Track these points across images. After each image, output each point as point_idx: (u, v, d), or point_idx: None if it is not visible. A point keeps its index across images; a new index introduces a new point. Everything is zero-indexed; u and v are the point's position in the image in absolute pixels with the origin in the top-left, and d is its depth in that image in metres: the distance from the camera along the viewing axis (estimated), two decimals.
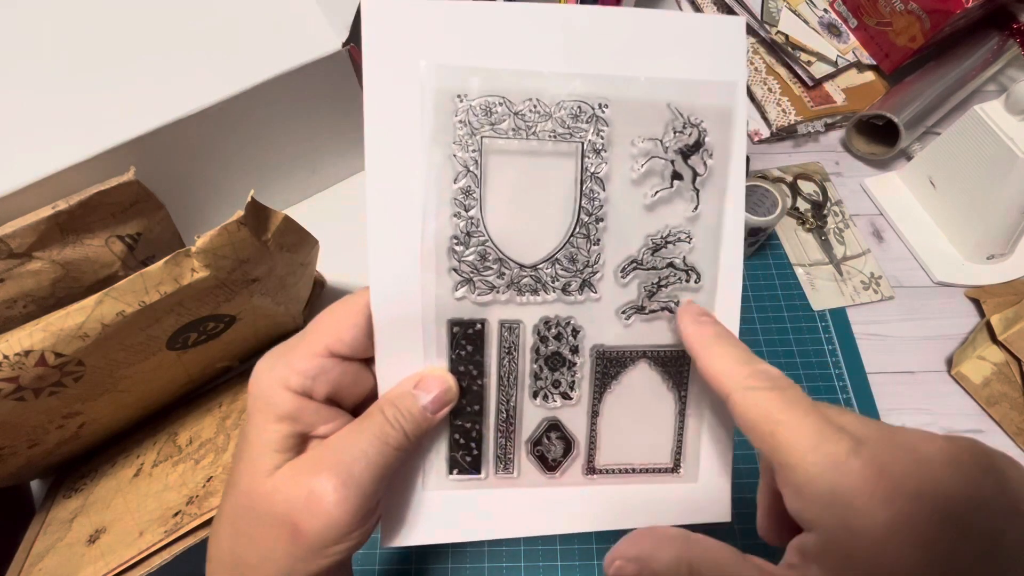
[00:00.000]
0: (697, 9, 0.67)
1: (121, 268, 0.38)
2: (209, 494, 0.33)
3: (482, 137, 0.22)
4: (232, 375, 0.45)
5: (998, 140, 0.47)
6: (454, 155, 0.22)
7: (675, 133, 0.23)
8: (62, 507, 0.40)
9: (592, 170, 0.23)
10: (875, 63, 0.62)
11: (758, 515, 0.23)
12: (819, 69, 0.60)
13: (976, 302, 0.50)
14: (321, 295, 0.48)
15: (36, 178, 0.36)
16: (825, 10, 0.64)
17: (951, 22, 0.55)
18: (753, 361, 0.21)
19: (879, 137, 0.57)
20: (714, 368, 0.21)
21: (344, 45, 0.43)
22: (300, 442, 0.21)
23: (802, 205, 0.56)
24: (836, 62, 0.61)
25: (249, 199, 0.31)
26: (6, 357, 0.29)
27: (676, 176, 0.23)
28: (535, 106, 0.22)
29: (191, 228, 0.41)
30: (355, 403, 0.23)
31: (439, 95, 0.21)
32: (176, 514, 0.33)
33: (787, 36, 0.60)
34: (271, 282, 0.36)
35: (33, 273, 0.35)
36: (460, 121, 0.22)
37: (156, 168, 0.39)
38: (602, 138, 0.22)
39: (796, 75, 0.61)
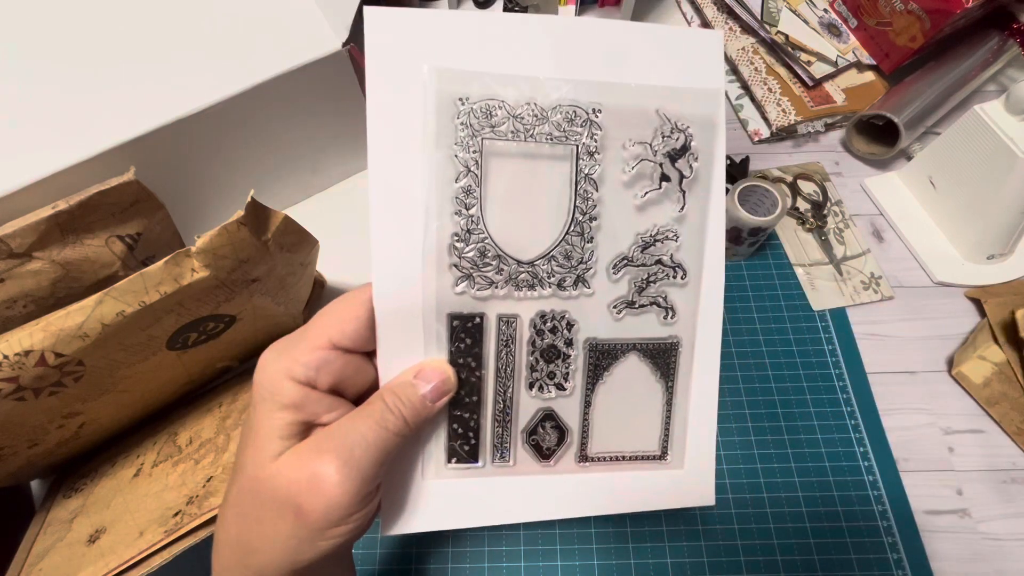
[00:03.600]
0: (697, 10, 0.67)
1: (121, 268, 0.38)
2: (209, 494, 0.33)
3: (483, 139, 0.23)
4: (232, 375, 0.45)
5: (998, 140, 0.47)
6: (456, 156, 0.22)
7: (663, 137, 0.24)
8: (62, 507, 0.40)
9: (586, 171, 0.24)
10: (875, 63, 0.62)
11: None
12: (819, 69, 0.60)
13: (976, 302, 0.50)
14: (321, 295, 0.48)
15: (36, 178, 0.36)
16: (825, 10, 0.64)
17: (951, 22, 0.55)
18: None
19: (879, 137, 0.57)
20: None
21: (344, 45, 0.43)
22: (304, 430, 0.21)
23: (802, 205, 0.56)
24: (836, 62, 0.61)
25: (249, 199, 0.31)
26: (6, 357, 0.29)
27: (664, 178, 0.25)
28: (532, 109, 0.23)
29: (191, 228, 0.41)
30: (357, 394, 0.23)
31: (441, 97, 0.22)
32: (176, 514, 0.33)
33: (787, 36, 0.60)
34: (271, 282, 0.36)
35: (33, 273, 0.35)
36: (461, 123, 0.22)
37: (156, 168, 0.39)
38: (595, 141, 0.24)
39: (796, 75, 0.61)
